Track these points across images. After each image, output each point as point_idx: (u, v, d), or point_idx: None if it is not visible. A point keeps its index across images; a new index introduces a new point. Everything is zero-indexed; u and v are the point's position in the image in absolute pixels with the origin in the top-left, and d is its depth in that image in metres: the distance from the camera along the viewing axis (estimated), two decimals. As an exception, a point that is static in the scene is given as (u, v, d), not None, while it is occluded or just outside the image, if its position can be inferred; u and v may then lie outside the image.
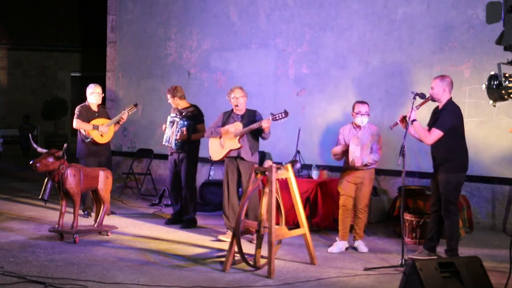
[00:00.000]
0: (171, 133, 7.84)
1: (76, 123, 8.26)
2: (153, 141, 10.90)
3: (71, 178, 6.79)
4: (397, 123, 6.15)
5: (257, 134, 7.16)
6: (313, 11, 9.18)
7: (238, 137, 7.09)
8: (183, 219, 7.91)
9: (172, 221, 8.01)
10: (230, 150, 7.17)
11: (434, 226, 6.24)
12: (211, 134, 7.36)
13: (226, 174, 7.25)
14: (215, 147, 7.33)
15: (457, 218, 6.17)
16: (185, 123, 7.73)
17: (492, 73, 4.08)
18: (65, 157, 6.79)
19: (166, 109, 10.71)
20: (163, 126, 8.03)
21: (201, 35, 10.37)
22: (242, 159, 7.12)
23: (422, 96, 6.27)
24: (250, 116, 7.25)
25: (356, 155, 6.45)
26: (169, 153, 8.04)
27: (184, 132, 7.71)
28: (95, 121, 8.28)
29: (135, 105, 8.61)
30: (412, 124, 5.98)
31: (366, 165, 6.57)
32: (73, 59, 20.24)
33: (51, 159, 6.66)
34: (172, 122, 7.88)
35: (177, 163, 7.91)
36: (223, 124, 7.29)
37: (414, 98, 6.22)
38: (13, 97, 19.48)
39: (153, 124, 10.96)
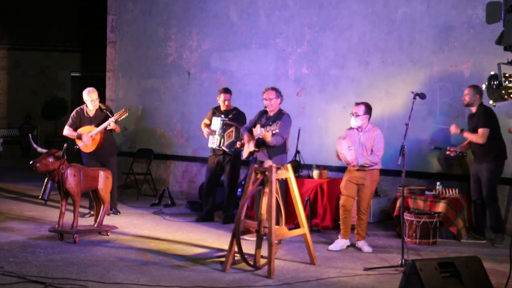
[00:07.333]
0: (226, 136, 7.92)
1: (65, 131, 8.41)
2: (153, 141, 10.89)
3: (71, 178, 6.79)
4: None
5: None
6: (313, 11, 9.18)
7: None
8: (224, 215, 8.08)
9: (204, 219, 8.14)
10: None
11: (477, 213, 7.25)
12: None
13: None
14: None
15: (497, 204, 7.09)
16: None
17: (492, 73, 4.08)
18: (65, 157, 6.80)
19: (166, 109, 10.77)
20: (205, 130, 8.10)
21: (201, 35, 10.36)
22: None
23: (422, 96, 6.27)
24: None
25: (350, 156, 6.47)
26: (211, 154, 8.18)
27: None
28: (82, 129, 8.20)
29: (125, 111, 8.38)
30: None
31: (363, 166, 6.56)
32: (73, 59, 20.21)
33: (51, 159, 6.66)
34: (227, 125, 7.94)
35: (220, 164, 8.07)
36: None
37: (414, 98, 6.23)
38: (13, 97, 19.45)
39: (153, 124, 10.96)
